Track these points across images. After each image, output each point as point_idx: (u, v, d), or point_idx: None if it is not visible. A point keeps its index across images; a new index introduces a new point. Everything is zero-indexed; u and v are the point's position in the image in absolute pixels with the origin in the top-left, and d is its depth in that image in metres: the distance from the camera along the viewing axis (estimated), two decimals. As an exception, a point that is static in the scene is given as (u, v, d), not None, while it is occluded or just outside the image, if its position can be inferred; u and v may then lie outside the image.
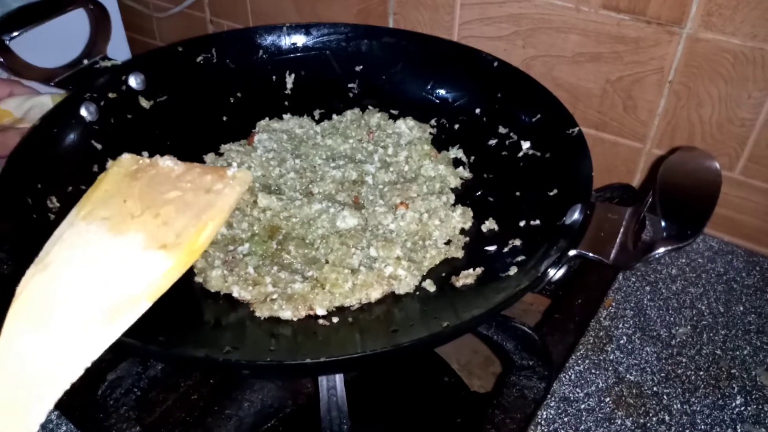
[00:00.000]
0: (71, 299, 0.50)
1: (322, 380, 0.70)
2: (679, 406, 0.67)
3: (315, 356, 0.53)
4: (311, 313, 0.63)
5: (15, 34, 0.82)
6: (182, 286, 0.67)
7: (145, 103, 0.85)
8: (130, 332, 0.51)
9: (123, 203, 0.57)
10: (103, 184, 0.59)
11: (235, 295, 0.65)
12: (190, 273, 0.68)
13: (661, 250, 0.57)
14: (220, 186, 0.60)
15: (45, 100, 0.86)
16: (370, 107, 0.91)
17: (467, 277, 0.67)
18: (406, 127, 0.86)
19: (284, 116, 0.90)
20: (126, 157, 0.62)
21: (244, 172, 0.64)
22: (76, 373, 0.47)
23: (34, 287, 0.50)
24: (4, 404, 0.45)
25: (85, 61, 0.85)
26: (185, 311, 0.65)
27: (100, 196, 0.58)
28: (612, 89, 0.90)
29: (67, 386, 0.47)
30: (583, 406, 0.67)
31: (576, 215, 0.65)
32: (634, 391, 0.69)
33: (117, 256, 0.53)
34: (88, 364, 0.48)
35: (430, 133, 0.87)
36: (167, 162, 0.62)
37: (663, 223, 0.58)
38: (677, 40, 0.82)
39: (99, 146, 0.79)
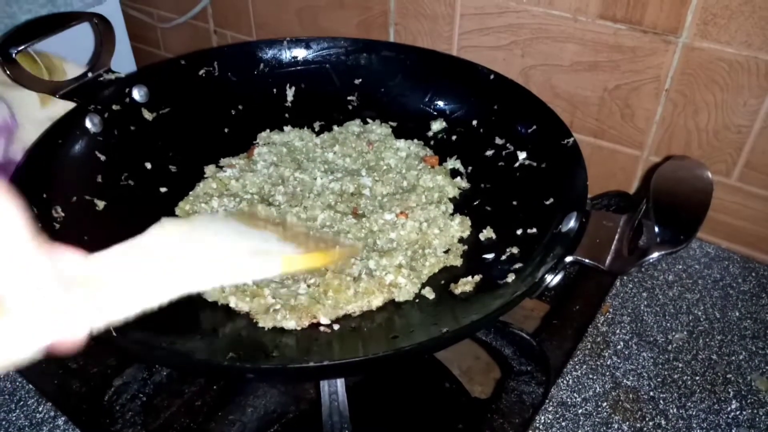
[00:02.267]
0: (222, 240, 0.51)
1: (324, 385, 0.71)
2: (675, 410, 0.68)
3: (318, 359, 0.54)
4: (314, 321, 0.64)
5: (22, 47, 0.84)
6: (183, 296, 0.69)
7: (148, 115, 0.87)
8: (135, 338, 0.52)
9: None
10: None
11: (232, 305, 0.66)
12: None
13: (655, 254, 0.58)
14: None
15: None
16: (370, 120, 0.93)
17: (466, 285, 0.68)
18: (405, 144, 0.88)
19: (285, 128, 0.92)
20: None
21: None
22: (202, 285, 0.47)
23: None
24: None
25: (90, 74, 0.87)
26: (187, 319, 0.66)
27: None
28: (610, 97, 0.91)
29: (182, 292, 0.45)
30: (580, 411, 0.68)
31: (572, 223, 0.66)
32: (630, 395, 0.70)
33: (254, 235, 0.54)
34: (215, 285, 0.49)
35: (430, 147, 0.89)
36: None
37: (657, 229, 0.59)
38: (673, 49, 0.83)
39: (103, 157, 0.81)
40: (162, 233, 0.47)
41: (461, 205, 0.80)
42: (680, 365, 0.73)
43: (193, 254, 0.47)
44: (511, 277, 0.66)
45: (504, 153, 0.84)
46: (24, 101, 0.88)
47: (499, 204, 0.79)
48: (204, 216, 0.55)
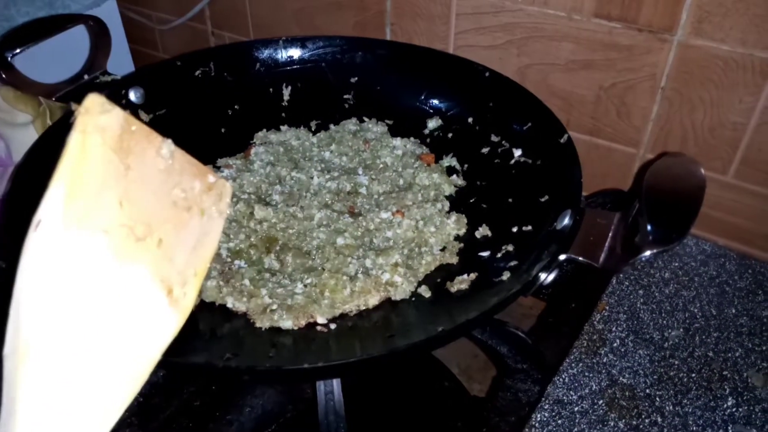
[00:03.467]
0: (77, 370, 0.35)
1: (320, 385, 0.71)
2: (671, 407, 0.68)
3: (313, 361, 0.54)
4: (311, 321, 0.64)
5: (17, 50, 0.84)
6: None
7: (144, 117, 0.87)
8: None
9: (120, 207, 0.38)
10: (88, 158, 0.38)
11: (229, 305, 0.66)
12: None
13: (648, 252, 0.58)
14: (209, 203, 0.46)
15: None
16: (366, 118, 0.93)
17: (462, 283, 0.68)
18: (401, 143, 0.88)
19: (281, 127, 0.92)
20: (108, 109, 0.39)
21: (226, 185, 0.49)
22: None
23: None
24: None
25: (86, 76, 0.87)
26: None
27: (89, 184, 0.37)
28: (605, 96, 0.91)
29: None
30: (576, 409, 0.68)
31: (566, 221, 0.66)
32: (627, 393, 0.70)
33: (126, 298, 0.37)
34: None
35: (426, 145, 0.89)
36: (163, 149, 0.44)
37: (649, 227, 0.59)
38: (669, 47, 0.83)
39: (100, 159, 0.81)
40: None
41: (457, 202, 0.80)
42: (676, 362, 0.73)
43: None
44: (506, 275, 0.66)
45: (499, 150, 0.84)
46: (21, 138, 0.88)
47: (495, 201, 0.79)
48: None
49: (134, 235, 0.38)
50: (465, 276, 0.69)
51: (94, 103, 0.38)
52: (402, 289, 0.68)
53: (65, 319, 0.34)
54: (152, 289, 0.38)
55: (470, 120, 0.89)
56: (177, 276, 0.40)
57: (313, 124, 0.94)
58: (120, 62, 1.22)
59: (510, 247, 0.71)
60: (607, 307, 0.79)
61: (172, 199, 0.42)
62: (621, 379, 0.71)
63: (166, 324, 0.38)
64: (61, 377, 0.34)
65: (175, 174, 0.43)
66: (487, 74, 0.87)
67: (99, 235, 0.36)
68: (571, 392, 0.70)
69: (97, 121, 0.37)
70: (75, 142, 0.37)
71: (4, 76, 0.82)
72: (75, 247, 0.35)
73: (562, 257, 0.62)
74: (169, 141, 0.44)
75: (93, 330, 0.35)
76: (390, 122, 0.92)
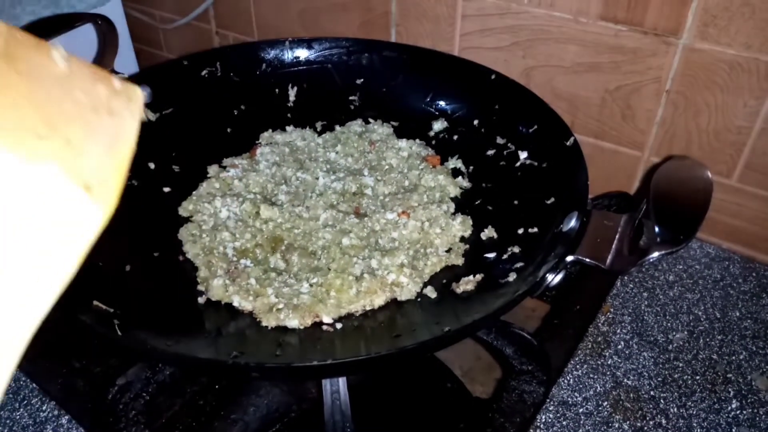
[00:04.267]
0: None
1: (326, 384, 0.71)
2: (675, 410, 0.68)
3: (322, 358, 0.55)
4: (317, 320, 0.65)
5: (26, 48, 0.84)
6: (186, 294, 0.69)
7: (151, 116, 0.87)
8: (139, 337, 0.52)
9: (12, 109, 0.36)
10: None
11: (235, 304, 0.66)
12: (193, 283, 0.70)
13: (656, 254, 0.58)
14: (118, 105, 0.44)
15: None
16: (371, 120, 0.93)
17: (467, 284, 0.68)
18: (407, 144, 0.88)
19: (287, 128, 0.92)
20: None
21: (135, 89, 0.45)
22: None
23: None
24: None
25: (94, 75, 0.87)
26: (190, 319, 0.66)
27: None
28: (611, 98, 0.91)
29: None
30: (581, 410, 0.68)
31: (573, 222, 0.66)
32: (631, 395, 0.70)
33: (38, 196, 0.35)
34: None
35: (431, 146, 0.89)
36: (54, 54, 0.41)
37: (657, 229, 0.59)
38: (674, 51, 0.83)
39: (107, 157, 0.81)
40: None
41: (463, 204, 0.81)
42: (681, 365, 0.73)
43: None
44: (512, 276, 0.67)
45: (505, 152, 0.84)
46: None
47: (501, 203, 0.79)
48: None
49: (36, 134, 0.36)
50: (471, 277, 0.69)
51: None
52: (408, 290, 0.68)
53: None
54: (66, 184, 0.36)
55: (476, 122, 0.89)
56: (94, 171, 0.38)
57: (318, 124, 0.94)
58: (124, 61, 1.22)
59: (516, 249, 0.71)
60: (612, 310, 0.79)
61: (75, 101, 0.41)
62: (625, 381, 0.71)
63: (88, 216, 0.37)
64: None
65: (74, 79, 0.41)
66: (492, 77, 0.87)
67: None
68: (575, 394, 0.70)
69: None
70: None
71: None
72: None
73: (570, 258, 0.62)
74: (60, 47, 0.43)
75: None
76: (395, 124, 0.93)
